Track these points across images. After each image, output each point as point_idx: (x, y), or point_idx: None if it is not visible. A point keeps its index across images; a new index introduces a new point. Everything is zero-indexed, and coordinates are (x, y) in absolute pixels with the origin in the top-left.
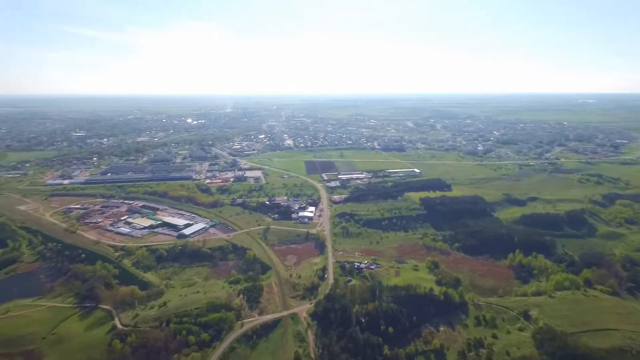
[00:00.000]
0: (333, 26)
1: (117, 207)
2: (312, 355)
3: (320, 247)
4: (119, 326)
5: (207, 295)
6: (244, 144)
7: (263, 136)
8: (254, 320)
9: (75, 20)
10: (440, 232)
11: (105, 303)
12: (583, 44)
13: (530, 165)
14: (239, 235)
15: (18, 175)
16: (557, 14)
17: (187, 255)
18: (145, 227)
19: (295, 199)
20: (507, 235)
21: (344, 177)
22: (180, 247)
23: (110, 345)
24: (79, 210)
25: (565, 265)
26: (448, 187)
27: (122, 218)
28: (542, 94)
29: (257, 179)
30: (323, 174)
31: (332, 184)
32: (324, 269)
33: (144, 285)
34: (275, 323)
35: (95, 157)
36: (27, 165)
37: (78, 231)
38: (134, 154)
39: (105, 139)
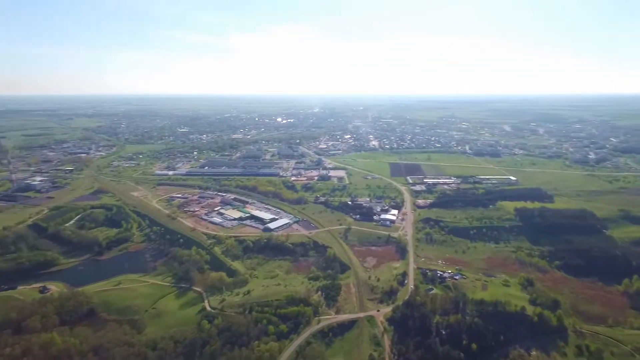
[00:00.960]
0: (421, 27)
1: (212, 198)
2: None
3: (401, 251)
4: (208, 308)
5: (288, 288)
6: (330, 143)
7: (348, 136)
8: (330, 318)
9: (183, 27)
10: (538, 247)
11: (197, 286)
12: None
13: None
14: (320, 233)
15: (133, 165)
16: None
17: (271, 248)
18: (235, 219)
19: (378, 200)
20: (622, 258)
21: (430, 181)
22: (265, 240)
23: (200, 324)
24: (179, 199)
25: None
26: (549, 199)
27: (216, 209)
28: None
29: (340, 179)
30: (408, 177)
31: (417, 187)
32: (404, 275)
33: (231, 272)
34: (352, 324)
35: (195, 151)
36: (140, 156)
37: (178, 218)
38: (229, 150)
39: (205, 135)
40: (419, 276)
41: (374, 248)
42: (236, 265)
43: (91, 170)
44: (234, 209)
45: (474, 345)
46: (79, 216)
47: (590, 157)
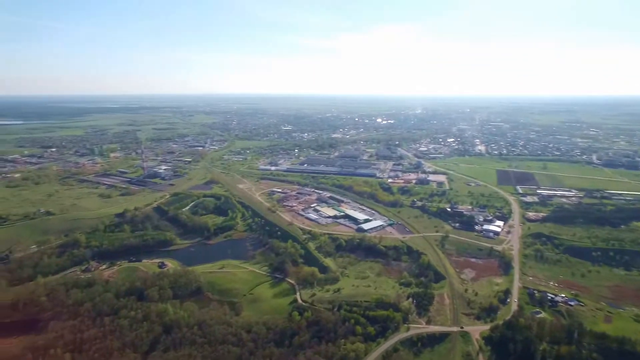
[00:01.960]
0: (533, 27)
1: (309, 195)
2: None
3: (505, 267)
4: (299, 300)
5: (378, 291)
6: (431, 146)
7: (452, 140)
8: (420, 327)
9: (294, 30)
10: None
11: (291, 278)
12: None
13: None
14: (414, 238)
15: (240, 159)
16: None
17: (363, 248)
18: (330, 217)
19: (481, 209)
20: None
21: (544, 192)
22: (358, 240)
23: (291, 315)
24: (279, 194)
25: None
26: None
27: (312, 205)
28: None
29: (440, 184)
30: (518, 187)
31: (529, 198)
32: (507, 292)
33: (323, 269)
34: (443, 336)
35: (296, 149)
36: (247, 151)
37: (277, 212)
38: (328, 149)
39: (306, 134)
40: (524, 296)
41: (473, 260)
42: (328, 262)
43: (205, 162)
44: (329, 206)
45: None
46: (193, 203)
47: None
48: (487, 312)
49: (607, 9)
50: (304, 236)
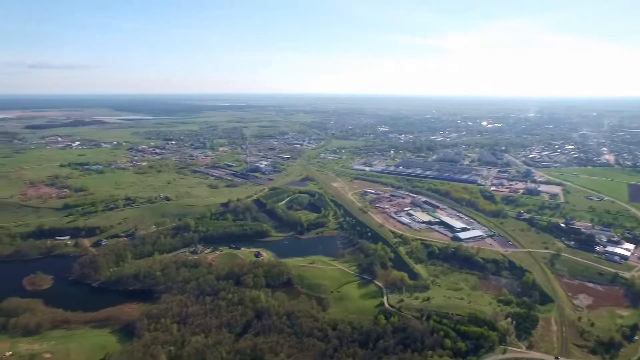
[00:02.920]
0: None
1: (403, 198)
2: None
3: (633, 297)
4: (386, 304)
5: (472, 305)
6: (544, 153)
7: (571, 147)
8: (519, 352)
9: (394, 29)
10: None
11: (379, 280)
12: None
13: None
14: (518, 253)
15: (336, 158)
16: None
17: (457, 258)
18: (423, 222)
19: (605, 228)
20: None
21: None
22: (452, 249)
23: (377, 318)
24: (372, 195)
25: None
26: None
27: (405, 209)
28: None
29: (553, 196)
30: None
31: None
32: (635, 328)
33: (413, 275)
34: None
35: (392, 150)
36: (343, 151)
37: (369, 212)
38: (425, 152)
39: (403, 135)
40: None
41: (591, 285)
42: (419, 268)
43: (302, 159)
44: (423, 211)
45: None
46: (289, 198)
47: None
48: (605, 348)
49: None
50: (395, 240)
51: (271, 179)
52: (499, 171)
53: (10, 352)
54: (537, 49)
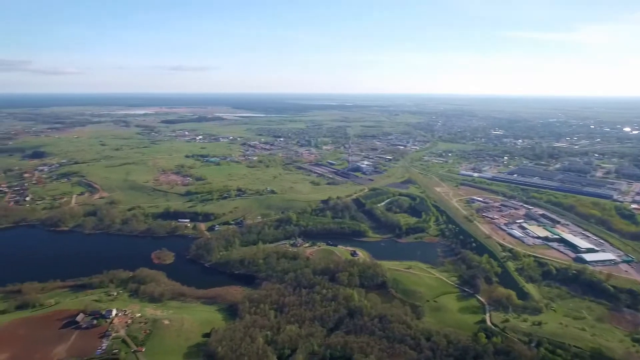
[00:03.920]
0: None
1: (515, 209)
2: None
3: None
4: (488, 322)
5: (596, 339)
6: None
7: None
8: None
9: (510, 24)
10: None
11: (482, 295)
12: None
13: None
14: None
15: (441, 161)
16: None
17: (580, 283)
18: (539, 237)
19: None
20: None
21: None
22: (574, 272)
23: (476, 335)
24: (479, 203)
25: None
26: None
27: (518, 221)
28: None
29: None
30: None
31: None
32: None
33: (523, 295)
34: None
35: (506, 156)
36: (449, 154)
37: (475, 221)
38: (546, 159)
39: (520, 140)
40: None
41: None
42: (530, 288)
43: (405, 161)
44: (539, 225)
45: None
46: (388, 200)
47: None
48: None
49: None
50: (503, 254)
51: (371, 180)
52: None
53: (140, 314)
54: None
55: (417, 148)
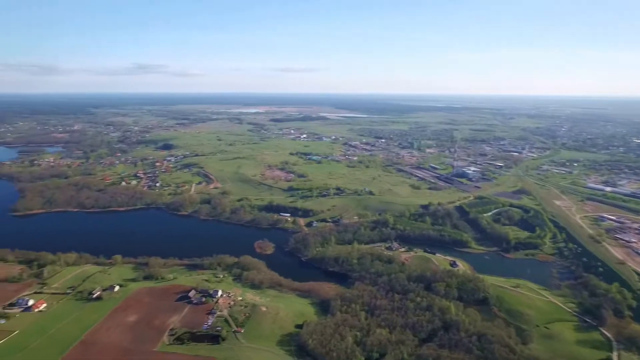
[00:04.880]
0: None
1: None
2: None
3: None
4: None
5: None
6: None
7: None
8: None
9: None
10: None
11: (608, 330)
12: None
13: None
14: None
15: (563, 172)
16: None
17: None
18: None
19: None
20: None
21: None
22: None
23: None
24: (611, 222)
25: None
26: None
27: None
28: None
29: None
30: None
31: None
32: None
33: None
34: None
35: None
36: (575, 164)
37: (604, 243)
38: None
39: None
40: None
41: None
42: None
43: (519, 169)
44: None
45: None
46: (496, 210)
47: None
48: None
49: None
50: None
51: (478, 187)
52: None
53: (241, 298)
54: None
55: (534, 155)
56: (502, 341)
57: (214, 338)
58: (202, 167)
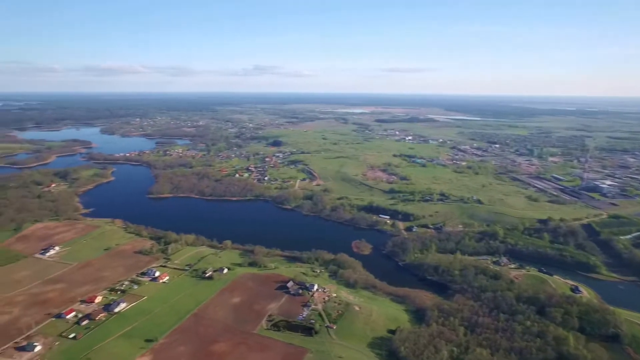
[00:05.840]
0: None
1: None
2: None
3: None
4: None
5: None
6: None
7: None
8: None
9: None
10: None
11: None
12: None
13: None
14: None
15: None
16: None
17: None
18: None
19: None
20: None
21: None
22: None
23: None
24: None
25: None
26: None
27: None
28: None
29: None
30: None
31: None
32: None
33: None
34: None
35: None
36: None
37: None
38: None
39: None
40: None
41: None
42: None
43: None
44: None
45: None
46: (638, 233)
47: None
48: None
49: None
50: None
51: (614, 204)
52: None
53: (335, 295)
54: None
55: None
56: None
57: (308, 330)
58: (306, 164)
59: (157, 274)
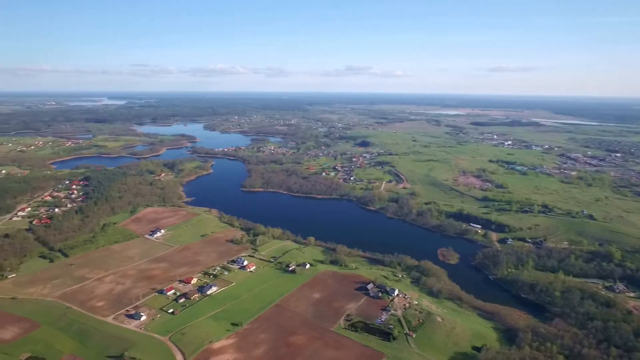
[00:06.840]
0: None
1: None
2: None
3: None
4: None
5: None
6: None
7: None
8: None
9: None
10: None
11: None
12: None
13: None
14: None
15: None
16: None
17: None
18: None
19: None
20: None
21: None
22: None
23: None
24: None
25: None
26: None
27: None
28: None
29: None
30: None
31: None
32: None
33: None
34: None
35: None
36: None
37: None
38: None
39: None
40: None
41: None
42: None
43: None
44: None
45: None
46: None
47: None
48: None
49: None
50: None
51: None
52: None
53: (417, 302)
54: None
55: None
56: None
57: (386, 334)
58: (394, 166)
59: (245, 262)
